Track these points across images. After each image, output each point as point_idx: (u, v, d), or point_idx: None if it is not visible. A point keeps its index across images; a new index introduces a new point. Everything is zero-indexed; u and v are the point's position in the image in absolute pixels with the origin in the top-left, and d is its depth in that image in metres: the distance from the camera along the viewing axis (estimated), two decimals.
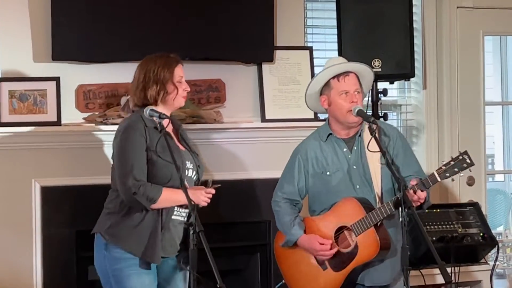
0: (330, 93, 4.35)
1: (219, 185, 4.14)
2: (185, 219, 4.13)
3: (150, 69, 4.13)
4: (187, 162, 4.14)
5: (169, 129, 4.14)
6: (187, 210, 4.10)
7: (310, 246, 4.34)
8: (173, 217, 4.08)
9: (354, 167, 4.34)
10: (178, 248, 4.15)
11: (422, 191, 4.11)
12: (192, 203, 3.73)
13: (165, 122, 4.07)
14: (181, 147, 4.19)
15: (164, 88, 4.11)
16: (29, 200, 4.85)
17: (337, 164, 4.36)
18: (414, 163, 4.41)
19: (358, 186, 4.32)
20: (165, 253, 4.08)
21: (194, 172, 4.20)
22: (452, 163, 4.09)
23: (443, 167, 4.11)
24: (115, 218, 4.07)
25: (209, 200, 4.10)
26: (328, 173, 4.38)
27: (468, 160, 4.08)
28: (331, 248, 4.28)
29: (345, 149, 4.37)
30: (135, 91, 4.15)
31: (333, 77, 4.34)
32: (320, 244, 4.29)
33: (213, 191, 4.10)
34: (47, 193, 4.88)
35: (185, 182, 3.97)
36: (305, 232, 4.38)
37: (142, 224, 4.02)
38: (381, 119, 5.53)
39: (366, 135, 4.28)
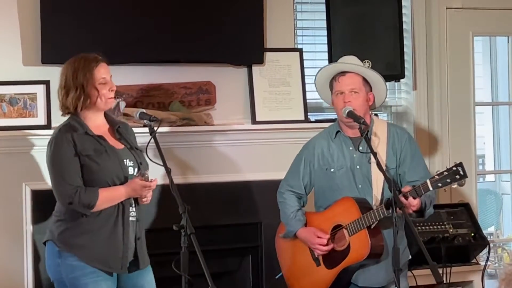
0: (332, 93, 4.42)
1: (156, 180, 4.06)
2: (134, 219, 4.08)
3: (69, 73, 4.04)
4: (125, 160, 4.07)
5: (102, 131, 4.09)
6: (134, 209, 4.08)
7: (307, 238, 4.38)
8: (130, 218, 4.07)
9: (358, 166, 4.37)
10: (133, 249, 4.10)
11: (414, 198, 4.11)
12: (184, 206, 3.70)
13: (99, 125, 4.06)
14: (119, 146, 4.10)
15: (84, 92, 4.01)
16: (20, 204, 4.83)
17: (342, 162, 4.40)
18: (421, 168, 4.42)
19: (360, 186, 4.36)
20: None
21: (136, 169, 4.10)
22: (446, 173, 4.08)
23: (436, 177, 4.10)
24: (65, 225, 4.01)
25: (148, 196, 4.04)
26: (332, 169, 4.42)
27: (461, 172, 4.05)
28: (327, 244, 4.32)
29: (351, 148, 4.41)
30: (58, 98, 4.10)
31: (333, 78, 4.41)
32: (318, 237, 4.33)
33: (151, 184, 4.00)
34: (38, 197, 4.85)
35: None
36: (305, 225, 4.43)
37: (100, 231, 3.98)
38: None
39: (374, 136, 4.31)
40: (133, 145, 4.17)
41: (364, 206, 4.27)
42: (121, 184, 4.01)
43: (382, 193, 4.33)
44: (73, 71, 4.04)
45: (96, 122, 4.09)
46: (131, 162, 4.09)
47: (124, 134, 4.18)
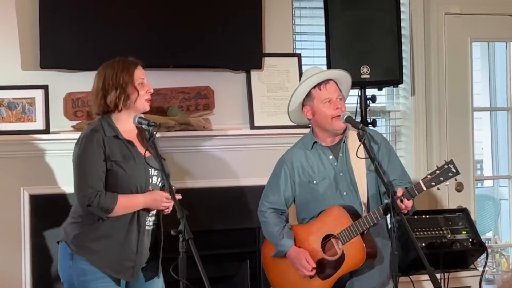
0: (313, 102, 4.37)
1: (179, 195, 3.99)
2: (152, 227, 4.09)
3: (109, 74, 4.05)
4: (150, 169, 4.06)
5: (131, 135, 4.07)
6: (154, 218, 4.08)
7: (296, 259, 4.32)
8: (146, 228, 4.06)
9: (341, 174, 4.34)
10: (148, 256, 4.10)
11: (408, 199, 4.12)
12: (182, 211, 3.70)
13: (129, 130, 4.05)
14: (147, 153, 4.06)
15: (125, 92, 4.02)
16: (18, 209, 4.84)
17: (324, 172, 4.36)
18: (398, 167, 4.42)
19: (345, 193, 4.33)
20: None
21: (159, 179, 4.10)
22: (438, 172, 4.09)
23: (429, 176, 4.10)
24: (80, 228, 4.00)
25: (170, 206, 4.02)
26: (315, 181, 4.38)
27: (453, 169, 4.07)
28: (312, 270, 4.28)
29: (330, 157, 4.37)
30: (95, 99, 4.07)
31: (314, 87, 4.36)
32: (306, 261, 4.28)
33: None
34: (36, 201, 4.86)
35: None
36: (294, 240, 4.38)
37: (113, 238, 3.98)
38: (370, 125, 5.54)
39: (351, 141, 4.30)
40: (159, 153, 4.14)
41: (353, 213, 4.25)
42: (142, 192, 4.00)
43: (368, 198, 4.32)
44: (113, 72, 4.05)
45: (127, 126, 4.07)
46: (156, 171, 4.08)
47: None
